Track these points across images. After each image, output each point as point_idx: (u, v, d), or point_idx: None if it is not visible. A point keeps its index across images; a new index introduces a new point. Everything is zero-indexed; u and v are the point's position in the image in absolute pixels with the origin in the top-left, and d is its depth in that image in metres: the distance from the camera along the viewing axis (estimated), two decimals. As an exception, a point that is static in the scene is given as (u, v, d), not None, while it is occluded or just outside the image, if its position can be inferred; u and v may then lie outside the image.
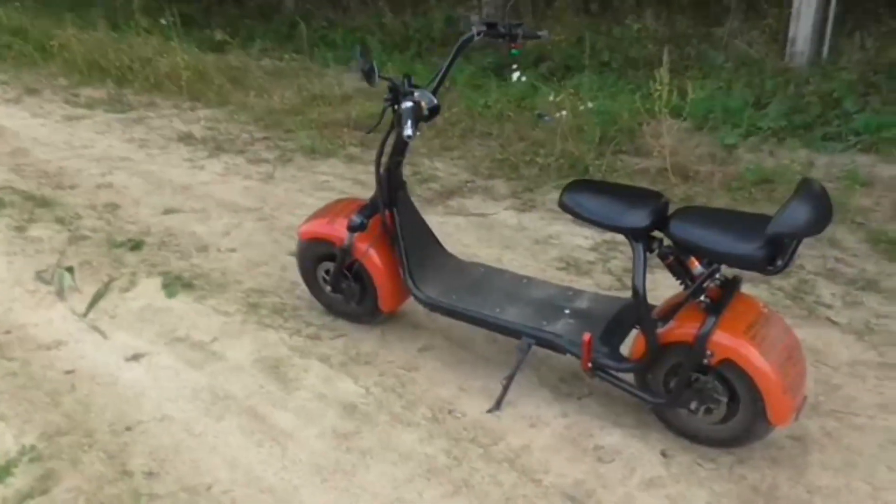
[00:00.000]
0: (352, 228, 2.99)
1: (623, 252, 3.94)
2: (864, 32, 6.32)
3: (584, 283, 3.62)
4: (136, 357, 3.05)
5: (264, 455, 2.52)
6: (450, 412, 2.75)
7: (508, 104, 5.98)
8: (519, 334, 2.75)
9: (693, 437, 2.55)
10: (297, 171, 5.07)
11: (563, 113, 5.19)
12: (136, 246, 3.99)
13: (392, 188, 2.95)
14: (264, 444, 2.56)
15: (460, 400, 2.82)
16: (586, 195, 2.53)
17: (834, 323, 3.26)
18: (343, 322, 3.28)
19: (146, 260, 3.85)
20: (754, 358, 2.28)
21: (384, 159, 2.92)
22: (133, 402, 2.77)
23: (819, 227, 2.10)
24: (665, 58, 4.79)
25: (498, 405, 2.76)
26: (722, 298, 2.36)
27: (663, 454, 2.54)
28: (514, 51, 2.84)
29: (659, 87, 4.77)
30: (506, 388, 2.76)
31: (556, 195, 4.65)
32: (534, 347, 2.73)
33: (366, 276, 3.08)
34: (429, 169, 5.09)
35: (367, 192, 4.73)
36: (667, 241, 2.42)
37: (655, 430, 2.63)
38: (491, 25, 2.81)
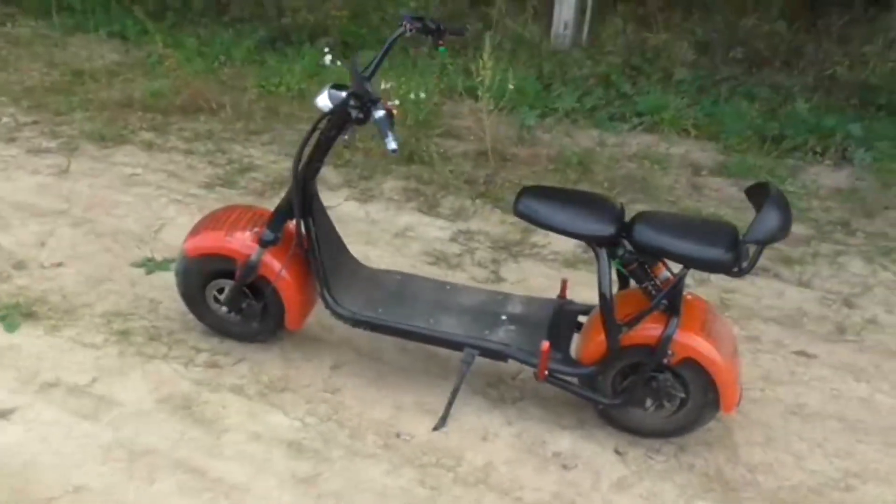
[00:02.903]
0: (263, 243, 2.69)
1: (481, 242, 3.98)
2: (624, 18, 6.91)
3: (459, 277, 3.62)
4: (5, 415, 2.50)
5: (226, 516, 2.23)
6: (398, 435, 2.63)
7: (304, 83, 5.70)
8: (460, 346, 2.69)
9: (637, 431, 2.70)
10: (91, 162, 4.42)
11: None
12: (-66, 269, 3.25)
13: (308, 196, 2.70)
14: (220, 504, 2.26)
15: (400, 420, 2.70)
16: (543, 202, 2.51)
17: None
18: (233, 343, 2.98)
19: (-46, 287, 3.15)
20: (713, 355, 2.46)
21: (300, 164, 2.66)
22: (29, 476, 2.28)
23: (787, 232, 2.29)
24: (487, 42, 4.85)
25: (443, 421, 2.69)
26: (675, 300, 2.49)
27: (617, 452, 2.65)
28: (441, 48, 2.72)
29: (483, 72, 4.82)
30: (450, 404, 2.70)
31: (392, 183, 4.63)
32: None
33: (270, 293, 2.80)
34: (242, 156, 4.71)
35: (187, 187, 4.36)
36: (628, 247, 2.48)
37: (598, 429, 2.73)
38: (418, 19, 2.66)
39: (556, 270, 3.79)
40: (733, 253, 2.31)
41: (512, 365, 2.78)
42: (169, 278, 3.30)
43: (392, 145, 2.33)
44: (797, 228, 4.34)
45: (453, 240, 3.99)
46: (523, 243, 4.01)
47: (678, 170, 5.04)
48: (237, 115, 5.15)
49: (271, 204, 4.13)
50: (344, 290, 2.80)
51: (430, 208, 4.28)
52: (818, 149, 5.27)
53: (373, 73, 2.57)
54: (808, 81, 6.19)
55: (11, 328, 2.91)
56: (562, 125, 5.60)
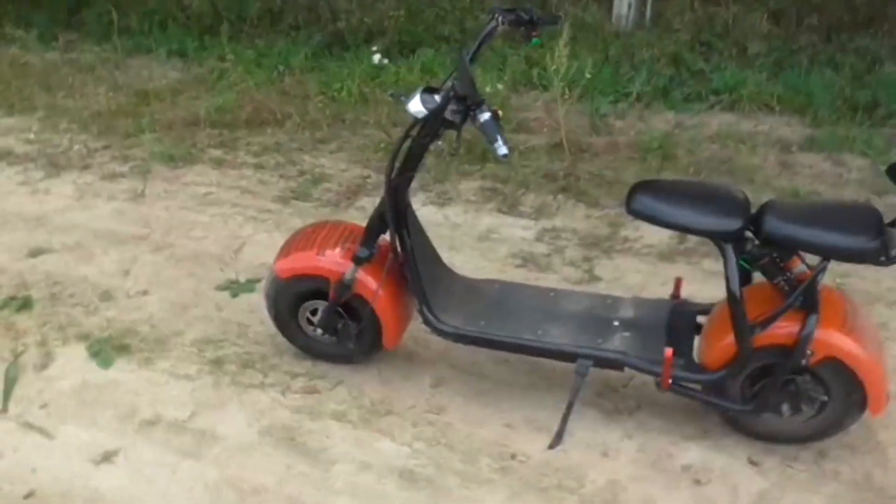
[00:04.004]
0: (358, 260, 2.56)
1: (568, 240, 3.80)
2: (689, -6, 6.62)
3: (550, 279, 3.46)
4: (107, 457, 2.42)
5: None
6: (513, 457, 2.47)
7: (366, 86, 5.57)
8: (573, 357, 2.52)
9: (771, 438, 2.50)
10: (165, 183, 4.36)
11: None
12: (23, 305, 3.20)
13: (402, 208, 2.56)
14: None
15: (512, 439, 2.55)
16: (659, 199, 2.32)
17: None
18: (327, 366, 2.86)
19: (46, 321, 3.11)
20: (857, 352, 2.25)
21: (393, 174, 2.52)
22: (137, 520, 2.20)
23: None
24: (564, 29, 4.66)
25: (559, 438, 2.52)
26: (812, 295, 2.27)
27: (751, 462, 2.45)
28: (535, 39, 2.53)
29: (557, 62, 4.63)
30: (566, 419, 2.53)
31: (467, 184, 4.48)
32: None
33: (366, 311, 2.67)
34: (313, 166, 4.61)
35: (262, 202, 4.27)
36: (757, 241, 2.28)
37: (727, 438, 2.54)
38: (510, 11, 2.48)
39: (652, 265, 3.59)
40: (880, 240, 2.10)
41: (623, 373, 2.61)
42: (254, 300, 3.22)
43: (503, 150, 2.16)
44: (902, 200, 4.07)
45: (539, 239, 3.81)
46: (613, 238, 3.81)
47: (765, 148, 4.77)
48: (303, 124, 5.05)
49: (347, 215, 4.06)
50: (443, 305, 2.66)
51: (511, 207, 4.11)
52: (916, 116, 4.96)
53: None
54: (895, 43, 5.84)
55: (106, 364, 2.84)
56: (635, 110, 5.37)
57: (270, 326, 2.91)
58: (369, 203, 4.19)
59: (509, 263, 3.60)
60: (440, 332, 2.62)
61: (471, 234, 3.85)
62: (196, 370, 2.82)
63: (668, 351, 2.36)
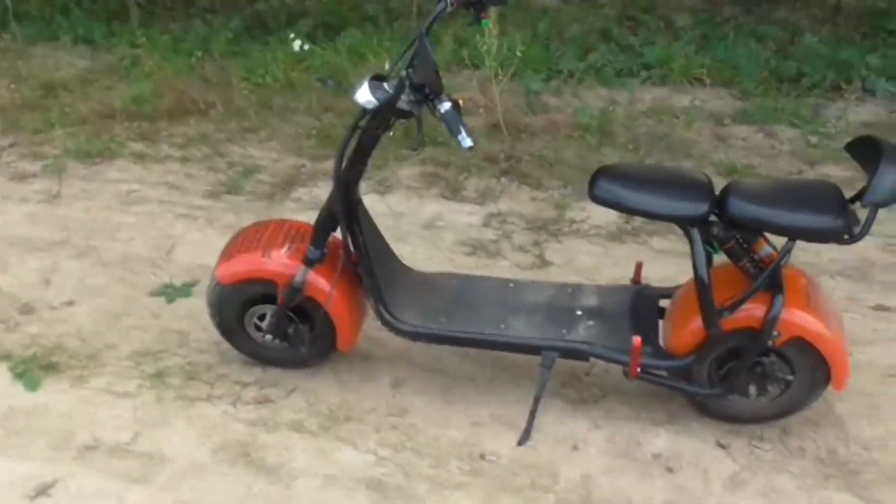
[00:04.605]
0: (309, 262, 2.41)
1: (516, 224, 3.72)
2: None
3: (502, 267, 3.37)
4: (43, 490, 2.22)
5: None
6: (482, 457, 2.38)
7: (292, 71, 5.34)
8: (538, 350, 2.43)
9: (737, 419, 2.48)
10: (82, 182, 4.07)
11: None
12: (-67, 325, 2.92)
13: (352, 203, 2.41)
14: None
15: (480, 438, 2.46)
16: (623, 184, 2.25)
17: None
18: (279, 372, 2.71)
19: (-40, 342, 2.83)
20: (823, 331, 2.25)
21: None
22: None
23: None
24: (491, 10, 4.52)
25: (528, 434, 2.44)
26: (777, 276, 2.23)
27: (719, 445, 2.43)
28: (485, 21, 2.40)
29: (487, 41, 4.51)
30: (533, 414, 2.45)
31: (407, 170, 4.33)
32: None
33: (319, 314, 2.52)
34: (242, 157, 4.38)
35: (191, 198, 4.02)
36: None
37: (693, 421, 2.51)
38: None
39: (602, 247, 3.54)
40: (843, 218, 2.07)
41: (587, 362, 2.55)
42: (193, 305, 3.03)
43: (467, 142, 2.04)
44: (837, 171, 4.12)
45: (486, 225, 3.71)
46: (560, 220, 3.74)
47: (699, 122, 4.78)
48: (228, 113, 4.80)
49: (284, 207, 3.87)
50: (400, 303, 2.53)
51: (455, 193, 3.99)
52: (838, 84, 5.04)
53: (411, 63, 2.27)
54: (815, 14, 5.94)
55: (33, 386, 2.61)
56: (568, 87, 5.30)
57: (214, 333, 2.73)
58: (306, 194, 4.01)
59: (458, 251, 3.49)
60: (399, 332, 2.50)
61: (416, 222, 3.71)
62: (135, 386, 2.62)
63: (637, 339, 2.30)
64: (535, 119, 4.77)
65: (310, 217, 3.32)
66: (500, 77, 4.81)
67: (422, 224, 3.70)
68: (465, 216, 3.78)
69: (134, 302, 3.08)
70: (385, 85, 2.20)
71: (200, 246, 3.43)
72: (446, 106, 2.07)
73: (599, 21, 5.99)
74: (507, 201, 3.91)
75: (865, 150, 2.13)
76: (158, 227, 3.64)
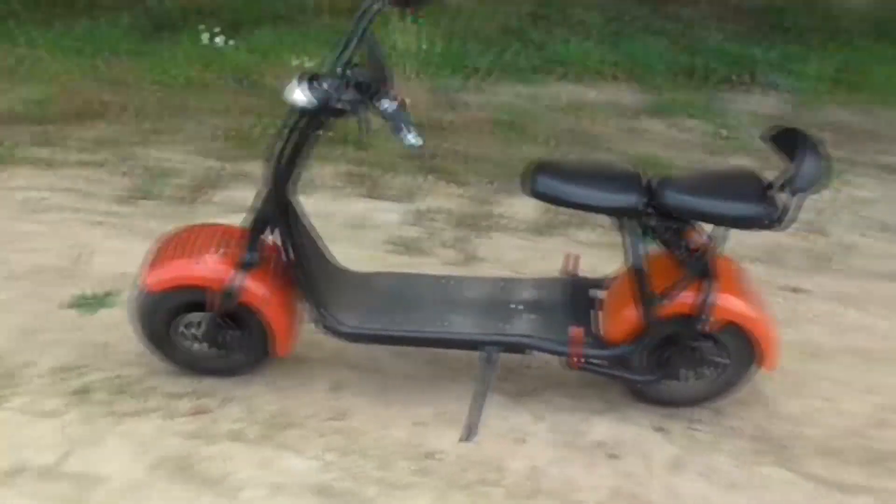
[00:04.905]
0: (244, 266, 2.34)
1: (441, 221, 3.72)
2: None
3: (432, 264, 3.35)
4: (-32, 518, 2.07)
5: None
6: (429, 456, 2.36)
7: (203, 71, 5.20)
8: (479, 345, 2.44)
9: (673, 403, 2.55)
10: (-25, 190, 3.84)
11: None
12: None
13: (287, 206, 2.35)
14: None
15: (424, 437, 2.44)
16: (562, 179, 2.28)
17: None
18: (213, 381, 2.61)
19: None
20: (753, 314, 2.34)
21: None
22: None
23: (829, 177, 2.14)
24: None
25: (474, 430, 2.43)
26: (708, 263, 2.30)
27: (659, 429, 2.49)
28: (420, 20, 2.38)
29: (405, 40, 4.50)
30: (479, 410, 2.44)
31: (330, 168, 4.25)
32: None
33: (252, 319, 2.46)
34: (156, 161, 4.21)
35: (104, 204, 3.84)
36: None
37: (630, 408, 2.57)
38: None
39: (529, 241, 3.58)
40: (766, 205, 2.15)
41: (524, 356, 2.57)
42: (113, 316, 2.91)
43: (414, 140, 2.01)
44: (743, 161, 4.29)
45: (412, 223, 3.70)
46: (486, 216, 3.77)
47: (613, 117, 4.90)
48: (138, 115, 4.62)
49: (204, 211, 3.75)
50: (338, 304, 2.49)
51: (379, 191, 3.97)
52: (742, 79, 5.26)
53: (349, 62, 2.23)
54: (717, 12, 6.17)
55: (-55, 407, 2.44)
56: (485, 84, 5.34)
57: (139, 344, 2.61)
58: (225, 197, 3.90)
59: (386, 250, 3.47)
60: (339, 334, 2.46)
61: (342, 222, 3.66)
62: (60, 404, 2.48)
63: (577, 330, 2.34)
64: (455, 116, 4.78)
65: (231, 220, 3.25)
66: (419, 76, 4.82)
67: (348, 223, 3.65)
68: (391, 214, 3.75)
69: (49, 316, 2.92)
70: (323, 84, 2.15)
71: (118, 254, 3.28)
72: (391, 105, 2.05)
73: (511, 19, 6.06)
74: (432, 199, 3.90)
75: (784, 140, 2.22)
76: (71, 235, 3.46)
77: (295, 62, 4.90)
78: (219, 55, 5.36)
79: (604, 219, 3.45)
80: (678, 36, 5.82)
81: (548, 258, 3.36)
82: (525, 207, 3.76)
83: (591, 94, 5.24)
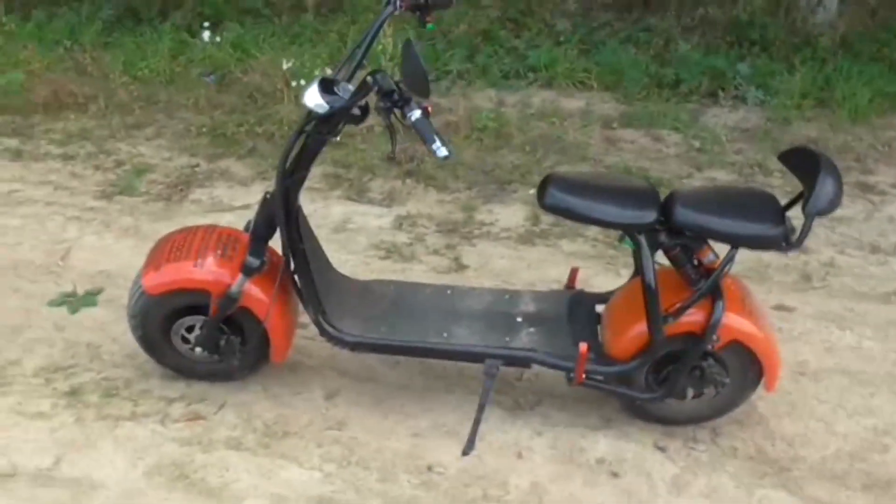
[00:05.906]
0: (248, 271, 2.31)
1: (426, 227, 3.71)
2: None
3: (420, 271, 3.35)
4: (-39, 528, 2.01)
5: None
6: (430, 469, 2.36)
7: (173, 64, 5.08)
8: (481, 357, 2.44)
9: (672, 421, 2.56)
10: (-51, 182, 3.72)
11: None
12: None
13: (294, 211, 2.33)
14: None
15: (424, 449, 2.44)
16: (574, 193, 2.27)
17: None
18: (205, 385, 2.58)
19: None
20: (758, 334, 2.35)
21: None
22: None
23: (841, 200, 2.18)
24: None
25: (472, 444, 2.44)
26: (718, 282, 2.33)
27: (658, 448, 2.50)
28: (430, 25, 2.38)
29: (382, 42, 4.48)
30: (478, 423, 2.44)
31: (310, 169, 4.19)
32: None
33: (251, 324, 2.43)
34: (131, 156, 4.13)
35: (81, 199, 3.75)
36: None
37: (628, 425, 2.57)
38: None
39: (514, 250, 3.59)
40: (782, 227, 2.19)
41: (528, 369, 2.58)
42: (100, 315, 2.86)
43: (443, 151, 1.99)
44: (719, 174, 4.38)
45: (397, 227, 3.69)
46: (470, 223, 3.77)
47: (588, 125, 4.93)
48: (110, 107, 4.51)
49: (183, 209, 3.69)
50: (339, 312, 2.47)
51: (361, 194, 3.94)
52: (713, 91, 5.34)
53: (357, 67, 2.22)
54: (685, 22, 6.26)
55: (-71, 410, 2.36)
56: (458, 87, 5.33)
57: (127, 345, 2.58)
58: (205, 195, 3.84)
59: (373, 255, 3.45)
60: (339, 343, 2.44)
61: (325, 224, 3.63)
62: (50, 406, 2.43)
63: (583, 346, 2.34)
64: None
65: (211, 219, 3.21)
66: (392, 76, 4.78)
67: (332, 227, 3.63)
68: (374, 219, 3.74)
69: (33, 314, 2.85)
70: (337, 88, 2.13)
71: (99, 251, 3.21)
72: (417, 114, 2.03)
73: (482, 22, 6.06)
74: (414, 203, 3.89)
75: (800, 162, 2.26)
76: (49, 230, 3.38)
77: (286, 64, 4.81)
78: (190, 49, 5.25)
79: (595, 230, 3.54)
80: (648, 45, 5.89)
81: (534, 268, 3.39)
82: (508, 215, 3.78)
83: (563, 101, 5.26)
